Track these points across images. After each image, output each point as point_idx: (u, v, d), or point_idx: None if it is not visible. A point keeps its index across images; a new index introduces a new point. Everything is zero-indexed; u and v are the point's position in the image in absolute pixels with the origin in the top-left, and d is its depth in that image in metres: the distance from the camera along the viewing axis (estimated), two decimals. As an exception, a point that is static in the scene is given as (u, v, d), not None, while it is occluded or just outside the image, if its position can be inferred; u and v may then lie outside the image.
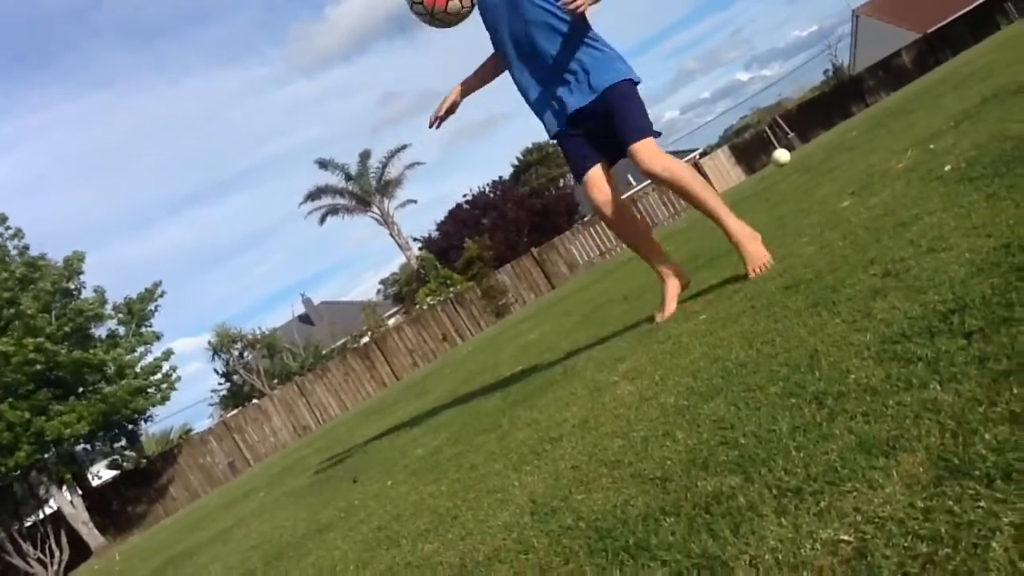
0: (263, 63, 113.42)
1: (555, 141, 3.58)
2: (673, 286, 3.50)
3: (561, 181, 43.21)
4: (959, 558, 0.92)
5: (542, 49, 3.39)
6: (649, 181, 3.67)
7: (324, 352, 29.52)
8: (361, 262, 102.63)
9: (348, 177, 36.43)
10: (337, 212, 37.25)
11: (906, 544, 0.99)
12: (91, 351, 16.97)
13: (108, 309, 18.26)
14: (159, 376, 18.33)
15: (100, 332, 18.30)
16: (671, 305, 3.41)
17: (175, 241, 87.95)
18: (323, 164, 35.96)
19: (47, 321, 16.26)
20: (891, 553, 0.99)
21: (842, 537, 1.08)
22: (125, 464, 21.55)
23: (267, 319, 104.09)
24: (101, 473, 22.68)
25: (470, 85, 3.83)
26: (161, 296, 18.96)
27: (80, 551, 16.39)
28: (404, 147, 36.92)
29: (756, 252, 3.24)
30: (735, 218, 3.34)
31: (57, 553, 16.00)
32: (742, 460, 1.47)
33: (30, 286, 16.62)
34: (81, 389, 17.12)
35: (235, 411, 23.42)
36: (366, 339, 25.05)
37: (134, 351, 18.20)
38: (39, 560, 15.84)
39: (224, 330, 28.26)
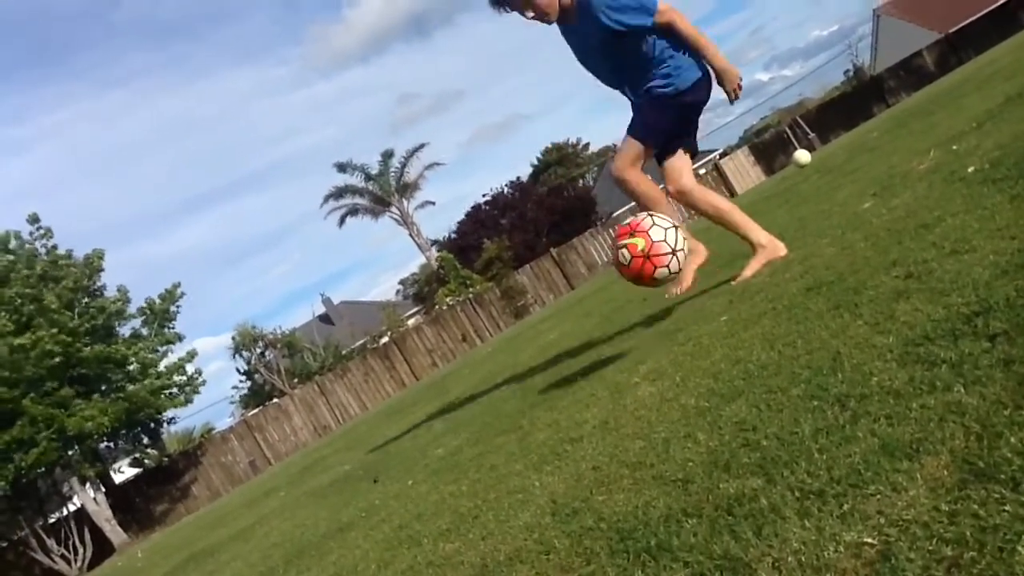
0: (281, 63, 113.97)
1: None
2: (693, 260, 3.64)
3: (580, 181, 43.13)
4: (984, 562, 0.92)
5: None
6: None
7: (344, 352, 29.64)
8: (380, 262, 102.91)
9: (368, 177, 36.51)
10: (357, 213, 37.37)
11: (930, 547, 0.99)
12: (113, 346, 17.15)
13: (131, 308, 18.47)
14: (183, 378, 18.49)
15: (123, 332, 18.52)
16: (688, 279, 3.55)
17: (195, 240, 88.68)
18: (342, 167, 36.04)
19: (69, 318, 16.44)
20: (915, 556, 0.99)
21: (866, 540, 1.08)
22: (147, 462, 21.74)
23: (287, 319, 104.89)
24: (123, 470, 22.91)
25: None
26: (182, 297, 19.15)
27: (103, 548, 16.56)
28: (423, 146, 36.96)
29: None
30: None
31: (81, 550, 16.18)
32: (764, 462, 1.47)
33: (52, 284, 16.82)
34: (104, 387, 17.30)
35: (256, 410, 23.55)
36: (386, 339, 25.11)
37: (156, 351, 18.37)
38: (63, 556, 16.03)
39: (246, 329, 28.43)
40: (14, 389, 15.30)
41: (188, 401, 18.46)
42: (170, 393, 18.09)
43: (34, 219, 17.57)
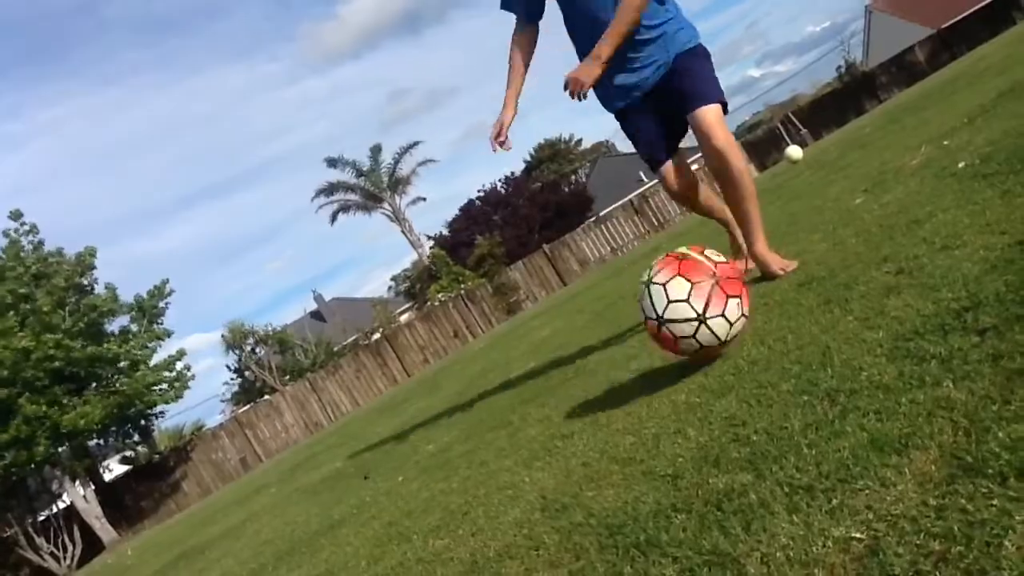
0: (273, 59, 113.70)
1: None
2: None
3: (573, 177, 43.12)
4: (972, 556, 0.92)
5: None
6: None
7: (336, 348, 29.59)
8: (372, 259, 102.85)
9: (359, 173, 36.47)
10: (348, 209, 37.33)
11: (918, 542, 0.99)
12: (104, 345, 17.08)
13: (120, 305, 18.38)
14: (172, 374, 18.43)
15: (112, 328, 18.44)
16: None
17: (186, 237, 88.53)
18: (332, 162, 35.97)
19: (61, 318, 16.37)
20: (903, 551, 0.99)
21: (854, 535, 1.07)
22: (136, 458, 21.67)
23: (279, 315, 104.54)
24: (113, 467, 22.83)
25: (517, 87, 3.36)
26: (170, 294, 19.07)
27: (93, 545, 16.49)
28: (416, 143, 37.00)
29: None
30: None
31: (70, 547, 16.11)
32: (754, 457, 1.47)
33: (43, 281, 16.73)
34: (95, 384, 17.24)
35: (247, 407, 23.50)
36: (377, 336, 25.08)
37: (146, 347, 18.30)
38: (52, 554, 15.96)
39: (237, 326, 28.34)
40: (11, 388, 15.27)
41: (178, 397, 18.40)
42: (160, 389, 18.04)
43: (17, 215, 17.40)
